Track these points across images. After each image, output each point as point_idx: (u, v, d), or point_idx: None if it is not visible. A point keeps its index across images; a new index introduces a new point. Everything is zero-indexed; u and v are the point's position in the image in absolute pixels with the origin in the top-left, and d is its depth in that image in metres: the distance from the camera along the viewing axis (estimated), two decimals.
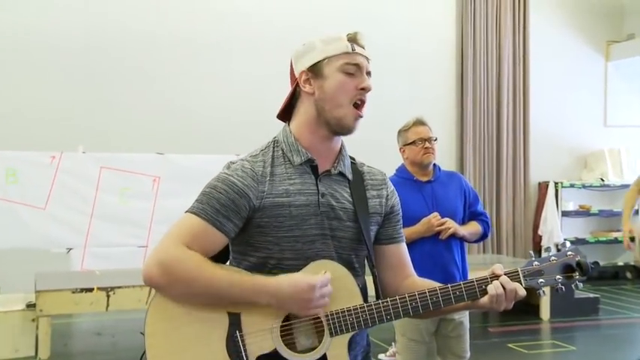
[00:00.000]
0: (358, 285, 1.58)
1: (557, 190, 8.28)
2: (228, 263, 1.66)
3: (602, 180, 8.57)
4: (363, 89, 1.59)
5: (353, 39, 1.62)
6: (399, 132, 3.25)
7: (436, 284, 1.62)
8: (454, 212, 3.08)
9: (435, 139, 3.16)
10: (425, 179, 3.09)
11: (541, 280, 1.57)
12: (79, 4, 6.57)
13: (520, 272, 1.57)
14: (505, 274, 1.57)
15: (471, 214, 3.16)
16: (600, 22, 8.77)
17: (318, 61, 1.60)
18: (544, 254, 1.62)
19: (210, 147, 6.23)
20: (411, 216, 2.99)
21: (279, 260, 1.56)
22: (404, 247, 1.75)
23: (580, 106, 8.70)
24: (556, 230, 7.96)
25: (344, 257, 1.60)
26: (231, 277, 1.50)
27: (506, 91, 8.17)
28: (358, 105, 1.60)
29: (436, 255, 2.99)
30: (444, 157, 7.74)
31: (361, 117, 1.61)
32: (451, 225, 3.00)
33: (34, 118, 6.37)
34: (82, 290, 4.75)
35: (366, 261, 1.69)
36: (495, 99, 8.19)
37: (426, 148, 3.05)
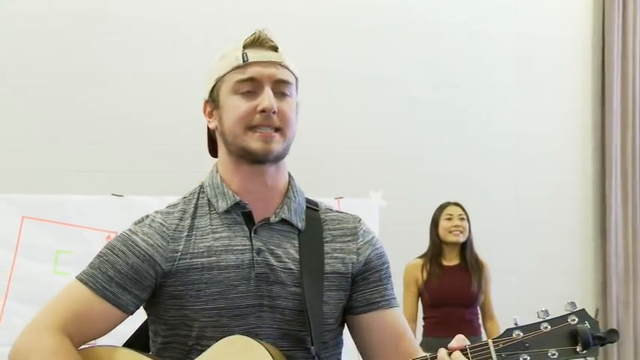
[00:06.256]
0: None
1: None
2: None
3: None
4: (262, 111, 1.70)
5: (249, 44, 1.77)
6: None
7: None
8: None
9: None
10: None
11: (525, 356, 1.56)
12: None
13: (491, 345, 1.57)
14: (469, 348, 1.57)
15: None
16: None
17: (213, 86, 1.80)
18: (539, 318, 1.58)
19: (195, 183, 5.96)
20: None
21: (198, 340, 1.70)
22: (395, 314, 1.82)
23: None
24: None
25: (291, 334, 1.72)
26: None
27: None
28: (255, 127, 1.71)
29: None
30: (575, 216, 7.06)
31: (268, 136, 1.71)
32: None
33: None
34: None
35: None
36: None
37: None
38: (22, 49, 6.19)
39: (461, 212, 4.93)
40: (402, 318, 1.86)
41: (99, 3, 6.31)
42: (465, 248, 4.92)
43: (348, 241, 1.82)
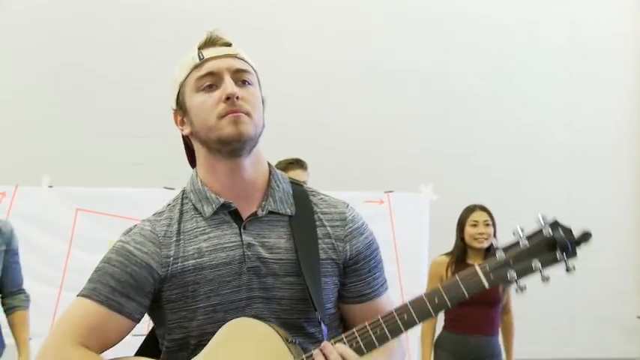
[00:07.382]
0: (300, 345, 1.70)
1: None
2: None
3: None
4: (227, 98, 1.73)
5: (203, 45, 1.82)
6: None
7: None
8: None
9: None
10: None
11: (511, 272, 1.68)
12: None
13: (478, 269, 1.68)
14: (460, 277, 1.68)
15: None
16: None
17: (178, 94, 1.84)
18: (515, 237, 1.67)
19: None
20: None
21: (200, 338, 1.73)
22: (381, 302, 1.86)
23: None
24: None
25: (289, 322, 1.76)
26: None
27: None
28: (224, 115, 1.73)
29: None
30: (629, 211, 6.98)
31: (237, 116, 1.72)
32: None
33: None
34: None
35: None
36: None
37: None
38: (78, 46, 6.23)
39: (486, 218, 4.82)
40: (386, 305, 1.86)
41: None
42: (489, 251, 4.83)
43: (337, 226, 1.83)
